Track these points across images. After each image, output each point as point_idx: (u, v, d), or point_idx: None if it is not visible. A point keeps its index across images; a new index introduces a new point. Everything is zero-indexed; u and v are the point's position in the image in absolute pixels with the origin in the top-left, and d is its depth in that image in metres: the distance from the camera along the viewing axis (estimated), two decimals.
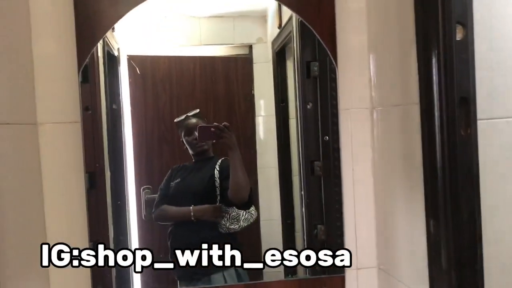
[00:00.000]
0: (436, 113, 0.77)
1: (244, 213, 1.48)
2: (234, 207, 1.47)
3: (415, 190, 0.90)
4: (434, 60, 0.77)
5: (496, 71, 0.79)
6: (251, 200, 1.47)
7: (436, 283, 0.83)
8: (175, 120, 1.52)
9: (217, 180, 1.47)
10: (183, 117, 1.51)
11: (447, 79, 0.75)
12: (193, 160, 1.51)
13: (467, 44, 0.76)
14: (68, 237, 1.18)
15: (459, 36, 0.75)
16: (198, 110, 1.52)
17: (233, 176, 1.41)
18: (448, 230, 0.77)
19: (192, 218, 1.44)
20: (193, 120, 1.49)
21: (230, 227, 1.46)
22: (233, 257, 1.44)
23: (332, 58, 1.23)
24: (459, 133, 0.75)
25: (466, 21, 0.76)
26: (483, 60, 0.78)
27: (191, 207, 1.44)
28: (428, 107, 0.80)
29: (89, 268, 1.18)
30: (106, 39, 1.29)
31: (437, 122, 0.77)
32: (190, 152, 1.51)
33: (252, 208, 1.50)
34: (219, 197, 1.46)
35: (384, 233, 1.19)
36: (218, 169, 1.47)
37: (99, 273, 1.20)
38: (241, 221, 1.47)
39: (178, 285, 1.43)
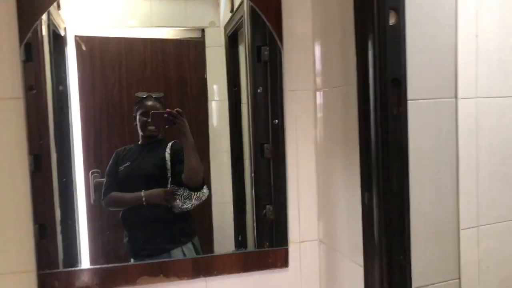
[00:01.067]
0: (371, 93, 0.84)
1: (196, 192, 1.52)
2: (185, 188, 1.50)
3: (353, 166, 0.97)
4: (369, 44, 0.83)
5: (425, 55, 0.87)
6: (203, 181, 1.51)
7: (369, 252, 0.91)
8: (136, 94, 1.52)
9: (168, 163, 1.49)
10: (145, 95, 1.51)
11: (380, 61, 0.82)
12: (140, 142, 1.52)
13: (399, 29, 0.83)
14: (11, 218, 1.19)
15: (392, 21, 0.83)
16: (162, 94, 1.53)
17: (187, 162, 1.45)
18: (379, 201, 0.85)
19: (144, 203, 1.46)
20: (152, 103, 1.50)
21: (183, 207, 1.49)
22: (188, 232, 1.50)
23: (278, 42, 1.29)
24: (391, 112, 0.83)
25: (399, 7, 0.83)
26: (413, 44, 0.85)
27: (142, 193, 1.46)
28: (363, 87, 0.87)
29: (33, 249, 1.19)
30: (51, 17, 1.27)
31: (372, 101, 0.84)
32: (140, 132, 1.52)
33: (204, 187, 1.54)
34: (170, 179, 1.49)
35: (325, 208, 1.28)
36: (169, 151, 1.50)
37: (45, 252, 1.22)
38: (193, 200, 1.51)
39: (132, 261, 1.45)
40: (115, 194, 1.49)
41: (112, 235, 1.49)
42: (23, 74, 1.18)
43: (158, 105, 1.50)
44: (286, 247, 1.34)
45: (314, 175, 1.33)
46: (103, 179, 1.50)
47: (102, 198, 1.48)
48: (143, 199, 1.46)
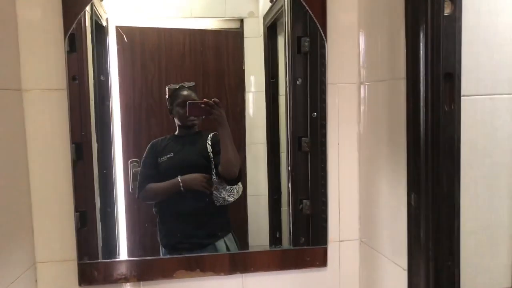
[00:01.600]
0: (422, 88, 0.79)
1: (236, 186, 1.49)
2: None
3: (399, 164, 0.92)
4: (421, 35, 0.78)
5: (482, 47, 0.80)
6: (240, 175, 1.48)
7: (414, 255, 0.86)
8: (168, 87, 1.49)
9: (211, 154, 1.47)
10: (177, 86, 1.49)
11: (433, 55, 0.76)
12: (177, 133, 1.50)
13: (455, 19, 0.77)
14: (53, 206, 1.21)
15: (447, 11, 0.76)
16: (193, 83, 1.51)
17: (223, 153, 1.42)
18: (428, 203, 0.79)
19: (181, 188, 1.44)
20: (187, 93, 1.47)
21: (228, 199, 1.48)
22: (227, 225, 1.49)
23: (322, 33, 1.24)
24: (443, 109, 0.77)
25: None
26: (470, 36, 0.79)
27: (179, 178, 1.44)
28: (414, 81, 0.81)
29: (74, 238, 1.20)
30: (94, 8, 1.27)
31: (422, 97, 0.79)
32: (178, 123, 1.50)
33: (239, 183, 1.52)
34: (214, 171, 1.47)
35: (367, 206, 1.22)
36: (210, 143, 1.47)
37: (85, 241, 1.23)
38: (235, 194, 1.50)
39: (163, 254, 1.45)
40: (151, 185, 1.47)
41: (149, 226, 1.49)
42: (66, 65, 1.18)
43: (193, 94, 1.48)
44: (325, 246, 1.29)
45: (356, 171, 1.28)
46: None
47: (137, 192, 1.46)
48: (180, 184, 1.44)
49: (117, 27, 1.49)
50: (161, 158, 1.47)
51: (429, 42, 0.77)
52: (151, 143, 1.49)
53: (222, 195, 1.48)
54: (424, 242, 0.82)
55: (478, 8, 0.80)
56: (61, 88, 1.19)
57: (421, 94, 0.79)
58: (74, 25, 1.18)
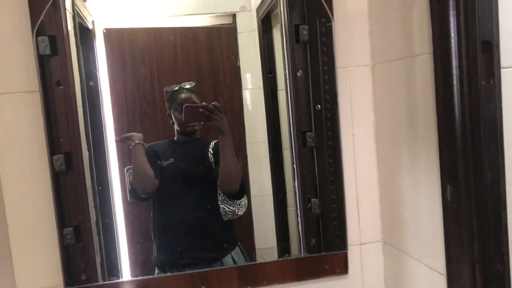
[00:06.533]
0: (454, 62, 0.63)
1: (243, 199, 1.34)
2: None
3: (428, 153, 0.76)
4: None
5: None
6: (242, 189, 1.31)
7: (455, 256, 0.70)
8: (165, 89, 1.33)
9: (213, 164, 1.29)
10: (175, 87, 1.32)
11: (467, 19, 0.61)
12: (176, 139, 1.33)
13: None
14: (35, 224, 1.07)
15: None
16: (193, 83, 1.34)
17: (223, 165, 1.24)
18: (469, 197, 0.64)
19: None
20: (186, 95, 1.30)
21: (238, 213, 1.32)
22: (233, 237, 1.32)
23: (329, 12, 1.09)
24: (481, 84, 0.61)
25: None
26: None
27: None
28: (443, 55, 0.66)
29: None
30: (76, 9, 1.15)
31: (455, 72, 0.63)
32: (177, 128, 1.34)
33: (244, 197, 1.35)
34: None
35: (390, 203, 1.05)
36: (211, 152, 1.31)
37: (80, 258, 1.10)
38: (243, 206, 1.34)
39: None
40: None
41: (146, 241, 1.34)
42: (37, 65, 1.05)
43: (193, 96, 1.31)
44: (345, 251, 1.12)
45: (375, 164, 1.11)
46: None
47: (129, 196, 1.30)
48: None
49: (104, 29, 1.37)
50: (163, 163, 1.30)
51: (461, 5, 0.61)
52: (147, 145, 1.32)
53: (232, 208, 1.31)
54: (467, 242, 0.67)
55: None
56: (32, 91, 1.04)
57: (454, 68, 0.64)
58: (42, 17, 1.05)
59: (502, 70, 0.64)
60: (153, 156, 1.30)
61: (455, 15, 0.62)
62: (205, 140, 1.34)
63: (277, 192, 1.46)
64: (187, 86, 1.33)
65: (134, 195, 1.30)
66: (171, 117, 1.34)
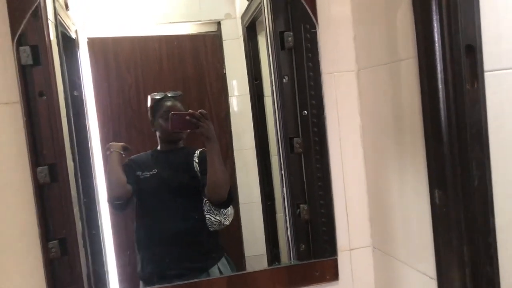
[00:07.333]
0: (439, 66, 0.63)
1: (229, 208, 1.31)
2: None
3: (415, 157, 0.76)
4: (433, 4, 0.62)
5: (503, 15, 0.65)
6: (230, 198, 1.29)
7: (445, 260, 0.69)
8: (150, 96, 1.31)
9: (198, 174, 1.27)
10: (161, 95, 1.30)
11: (451, 25, 0.60)
12: (159, 148, 1.31)
13: None
14: (17, 236, 1.02)
15: None
16: (180, 92, 1.32)
17: (210, 173, 1.22)
18: (458, 200, 0.63)
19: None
20: (172, 103, 1.29)
21: (225, 223, 1.29)
22: (219, 246, 1.30)
23: (313, 19, 1.08)
24: (466, 88, 0.61)
25: None
26: (488, 1, 0.64)
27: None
28: (428, 59, 0.65)
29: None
30: (59, 18, 1.11)
31: (440, 75, 0.63)
32: (161, 137, 1.31)
33: (230, 207, 1.33)
34: (203, 192, 1.27)
35: (378, 208, 1.04)
36: (196, 160, 1.28)
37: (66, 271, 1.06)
38: (229, 216, 1.32)
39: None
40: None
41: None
42: (20, 76, 1.02)
43: (178, 104, 1.29)
44: (335, 257, 1.10)
45: (362, 169, 1.10)
46: None
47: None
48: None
49: (88, 39, 1.35)
50: (143, 173, 1.27)
51: (444, 10, 0.61)
52: (129, 158, 1.30)
53: (218, 218, 1.29)
54: (457, 246, 0.66)
55: None
56: (14, 102, 1.01)
57: (439, 72, 0.64)
58: (22, 27, 1.02)
59: (485, 73, 0.64)
60: (132, 166, 1.27)
61: (438, 20, 0.62)
62: (189, 148, 1.32)
63: (266, 198, 1.45)
64: (172, 94, 1.30)
65: (108, 202, 1.27)
66: (154, 125, 1.31)
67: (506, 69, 0.66)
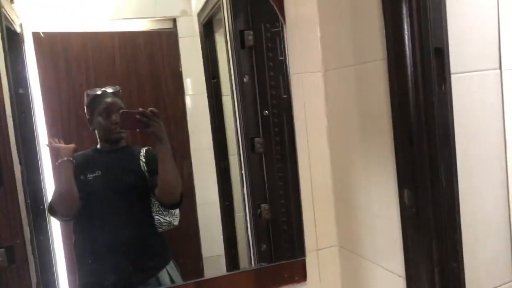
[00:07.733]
0: (409, 68, 0.64)
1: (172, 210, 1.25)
2: None
3: (382, 158, 0.76)
4: (404, 8, 0.62)
5: (467, 18, 0.67)
6: (182, 198, 1.23)
7: (414, 259, 0.71)
8: (87, 92, 1.22)
9: (146, 173, 1.20)
10: (98, 91, 1.21)
11: (421, 28, 0.61)
12: (100, 147, 1.22)
13: None
14: None
15: None
16: (119, 88, 1.24)
17: (162, 174, 1.15)
18: (427, 200, 0.65)
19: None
20: (111, 99, 1.20)
21: (174, 223, 1.24)
22: (167, 249, 1.25)
23: (281, 18, 1.07)
24: (435, 89, 0.62)
25: None
26: (454, 6, 0.65)
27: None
28: (398, 61, 0.66)
29: None
30: (3, 11, 1.03)
31: (410, 77, 0.64)
32: (101, 136, 1.21)
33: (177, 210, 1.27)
34: (152, 192, 1.21)
35: (345, 208, 1.05)
36: (143, 160, 1.21)
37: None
38: (178, 215, 1.26)
39: None
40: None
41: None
42: None
43: (119, 101, 1.22)
44: (303, 258, 1.10)
45: (329, 170, 1.09)
46: None
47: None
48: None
49: (33, 33, 1.26)
50: (86, 177, 1.17)
51: (414, 12, 0.62)
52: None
53: (167, 219, 1.23)
54: (426, 245, 0.67)
55: None
56: None
57: (409, 74, 0.64)
58: None
59: (452, 76, 0.66)
60: (77, 169, 1.17)
61: (408, 23, 0.63)
62: (133, 147, 1.25)
63: (224, 198, 1.44)
64: (111, 90, 1.23)
65: (52, 214, 1.15)
66: (92, 123, 1.23)
67: (469, 71, 0.68)
